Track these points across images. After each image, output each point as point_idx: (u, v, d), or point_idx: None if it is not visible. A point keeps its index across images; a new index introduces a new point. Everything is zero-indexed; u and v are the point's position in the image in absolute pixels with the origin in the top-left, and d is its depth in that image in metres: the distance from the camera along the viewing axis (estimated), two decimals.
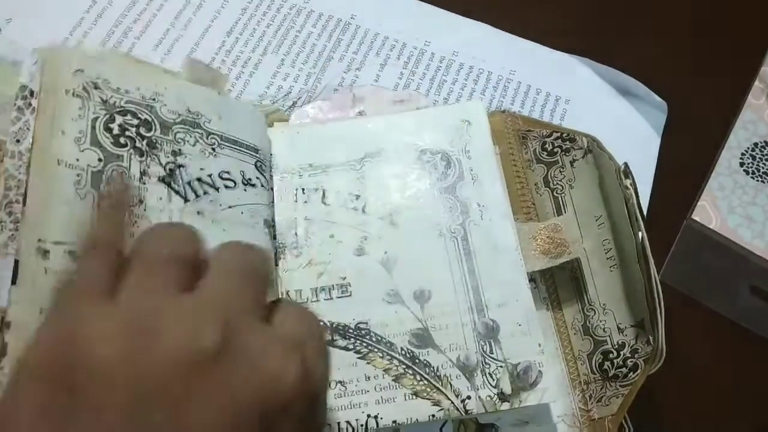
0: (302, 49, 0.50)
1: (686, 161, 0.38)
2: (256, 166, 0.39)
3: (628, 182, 0.36)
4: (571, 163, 0.42)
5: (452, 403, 0.35)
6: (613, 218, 0.40)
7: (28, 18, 0.48)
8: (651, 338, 0.36)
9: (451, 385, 0.35)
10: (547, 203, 0.43)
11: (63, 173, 0.32)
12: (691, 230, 0.40)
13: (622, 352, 0.37)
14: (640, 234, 0.36)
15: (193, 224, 0.34)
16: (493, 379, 0.35)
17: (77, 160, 0.32)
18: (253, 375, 0.22)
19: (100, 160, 0.33)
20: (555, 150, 0.43)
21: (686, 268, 0.43)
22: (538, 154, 0.44)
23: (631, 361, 0.37)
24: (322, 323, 0.29)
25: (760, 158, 0.41)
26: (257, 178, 0.38)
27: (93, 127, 0.33)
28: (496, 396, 0.35)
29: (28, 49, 0.33)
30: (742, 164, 0.41)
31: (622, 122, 0.49)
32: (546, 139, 0.43)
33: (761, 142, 0.41)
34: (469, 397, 0.35)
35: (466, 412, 0.34)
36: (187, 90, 0.38)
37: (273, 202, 0.39)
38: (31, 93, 0.33)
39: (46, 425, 0.20)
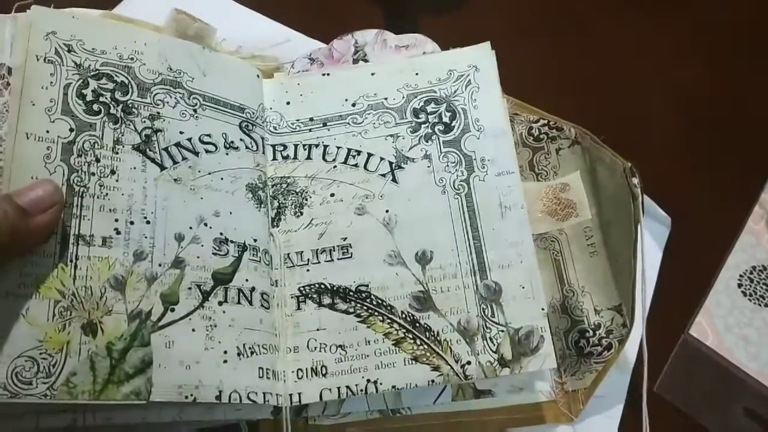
0: None
1: (686, 277, 0.39)
2: (241, 126, 0.37)
3: (635, 180, 0.36)
4: (557, 151, 0.41)
5: (452, 368, 0.33)
6: (601, 209, 0.38)
7: None
8: (627, 321, 0.36)
9: (451, 349, 0.34)
10: None
11: (31, 148, 0.30)
12: (688, 345, 0.41)
13: (597, 332, 0.38)
14: (639, 227, 0.35)
15: (169, 192, 0.33)
16: (494, 344, 0.34)
17: (47, 132, 0.31)
18: None
19: (71, 130, 0.31)
20: (541, 136, 0.42)
21: (681, 381, 0.42)
22: (524, 138, 0.42)
23: (606, 341, 0.38)
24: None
25: (757, 281, 0.42)
26: (241, 140, 0.36)
27: (65, 94, 0.32)
28: (496, 362, 0.33)
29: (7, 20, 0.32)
30: (740, 285, 0.42)
31: None
32: (532, 125, 0.42)
33: (759, 266, 0.43)
34: (468, 363, 0.33)
35: (466, 377, 0.33)
36: (170, 45, 0.36)
37: (259, 165, 0.37)
38: (9, 71, 0.31)
39: None
